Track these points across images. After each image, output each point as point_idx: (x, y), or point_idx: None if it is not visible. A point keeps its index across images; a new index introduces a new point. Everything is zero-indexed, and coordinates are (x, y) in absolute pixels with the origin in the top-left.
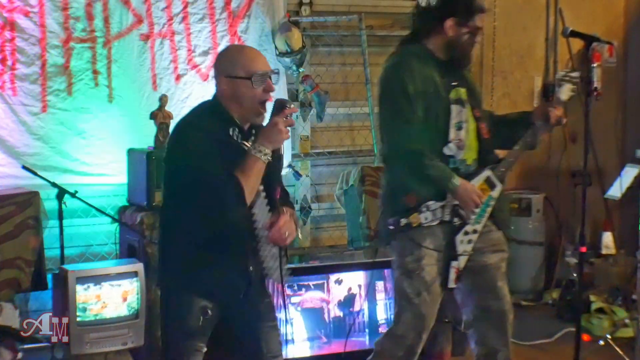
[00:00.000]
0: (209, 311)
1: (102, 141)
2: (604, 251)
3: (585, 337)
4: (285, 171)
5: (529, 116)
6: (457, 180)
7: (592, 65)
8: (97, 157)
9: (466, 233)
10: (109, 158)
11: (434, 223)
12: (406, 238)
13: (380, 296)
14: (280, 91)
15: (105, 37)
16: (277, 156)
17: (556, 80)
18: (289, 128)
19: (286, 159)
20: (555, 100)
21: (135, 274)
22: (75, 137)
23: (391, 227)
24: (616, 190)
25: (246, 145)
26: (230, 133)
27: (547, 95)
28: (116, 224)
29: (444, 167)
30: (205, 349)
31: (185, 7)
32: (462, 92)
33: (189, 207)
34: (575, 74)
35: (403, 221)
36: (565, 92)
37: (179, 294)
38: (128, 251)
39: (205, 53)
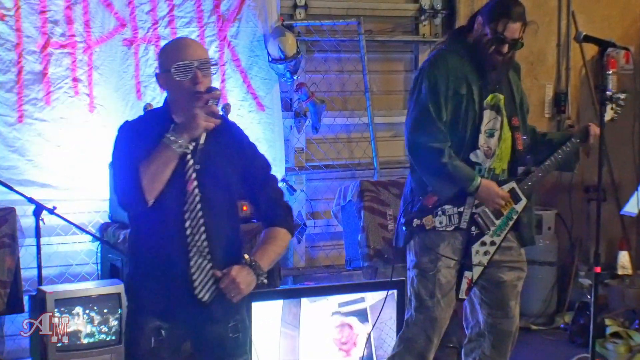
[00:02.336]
0: (163, 332)
1: (82, 154)
2: (620, 272)
3: None
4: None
5: (571, 134)
6: (478, 180)
7: (607, 72)
8: (77, 171)
9: (483, 244)
10: (90, 172)
11: (449, 229)
12: (421, 240)
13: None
14: (273, 100)
15: (86, 42)
16: (245, 161)
17: (602, 98)
18: (211, 117)
19: (280, 173)
20: (599, 119)
21: (117, 295)
22: (53, 149)
23: (404, 227)
24: (633, 207)
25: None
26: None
27: (559, 104)
28: (97, 242)
29: (466, 168)
30: None
31: (172, 10)
32: (500, 98)
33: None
34: (622, 96)
35: (416, 222)
36: (609, 113)
37: (130, 313)
38: (110, 271)
39: None
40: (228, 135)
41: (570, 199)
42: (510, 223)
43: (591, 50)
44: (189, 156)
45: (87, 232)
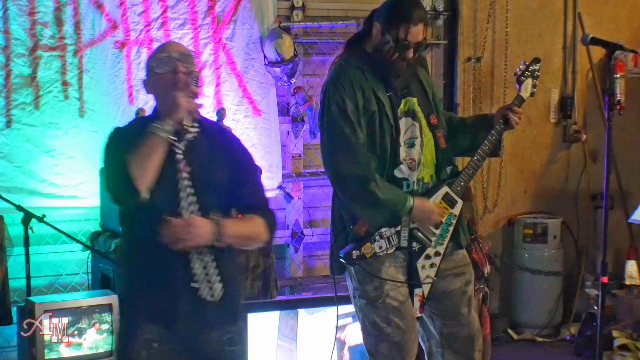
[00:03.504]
0: (156, 344)
1: (72, 160)
2: (627, 281)
3: None
4: (275, 193)
5: (490, 119)
6: (411, 201)
7: (614, 75)
8: (67, 178)
9: (428, 257)
10: (80, 179)
11: (390, 251)
12: (361, 270)
13: None
14: (270, 105)
15: (76, 45)
16: (235, 166)
17: (515, 76)
18: (192, 96)
19: (276, 180)
20: (517, 99)
21: (109, 306)
22: (43, 155)
23: (343, 261)
24: None
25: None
26: None
27: (564, 109)
28: (88, 252)
29: (394, 190)
30: None
31: (165, 11)
32: (414, 101)
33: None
34: (535, 66)
35: (355, 253)
36: (526, 88)
37: (123, 324)
38: (101, 281)
39: None
40: (219, 138)
41: (577, 206)
42: (451, 229)
43: (598, 53)
44: (180, 156)
45: (78, 241)
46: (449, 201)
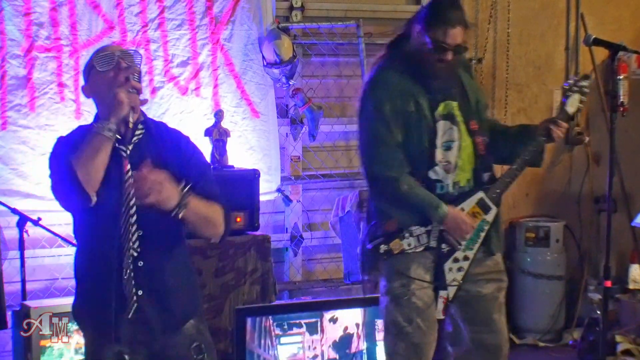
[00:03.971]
0: (126, 356)
1: None
2: (631, 286)
3: None
4: (273, 196)
5: (534, 130)
6: (444, 209)
7: (617, 77)
8: None
9: (456, 260)
10: None
11: (419, 249)
12: (390, 265)
13: (381, 336)
14: (268, 106)
15: (72, 46)
16: (184, 164)
17: (562, 89)
18: (134, 91)
19: (275, 183)
20: (562, 113)
21: None
22: (38, 157)
23: (370, 255)
24: None
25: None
26: None
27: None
28: None
29: (427, 195)
30: None
31: (162, 12)
32: (453, 105)
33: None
34: (585, 82)
35: (383, 247)
36: (573, 103)
37: (87, 343)
38: None
39: (184, 63)
40: (166, 138)
41: (580, 209)
42: (482, 235)
43: (601, 54)
44: (125, 155)
45: (74, 245)
46: (483, 207)
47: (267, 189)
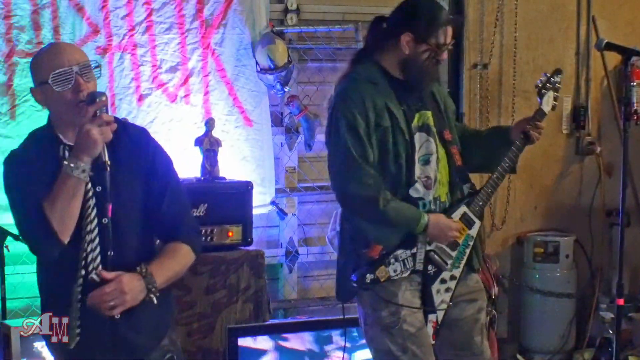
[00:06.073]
0: None
1: None
2: None
3: None
4: (267, 209)
5: (507, 133)
6: (425, 218)
7: (631, 83)
8: None
9: (443, 281)
10: None
11: (405, 274)
12: (375, 295)
13: None
14: (262, 114)
15: None
16: (150, 170)
17: (536, 88)
18: (106, 127)
19: (269, 195)
20: (538, 113)
21: None
22: None
23: (355, 285)
24: None
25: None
26: (61, 154)
27: (577, 119)
28: None
29: (407, 208)
30: None
31: (150, 15)
32: (428, 115)
33: None
34: (557, 78)
35: (369, 277)
36: (548, 101)
37: None
38: None
39: (172, 69)
40: (140, 144)
41: (591, 223)
42: (468, 251)
43: (614, 59)
44: (89, 187)
45: None
46: (466, 222)
47: (261, 201)
